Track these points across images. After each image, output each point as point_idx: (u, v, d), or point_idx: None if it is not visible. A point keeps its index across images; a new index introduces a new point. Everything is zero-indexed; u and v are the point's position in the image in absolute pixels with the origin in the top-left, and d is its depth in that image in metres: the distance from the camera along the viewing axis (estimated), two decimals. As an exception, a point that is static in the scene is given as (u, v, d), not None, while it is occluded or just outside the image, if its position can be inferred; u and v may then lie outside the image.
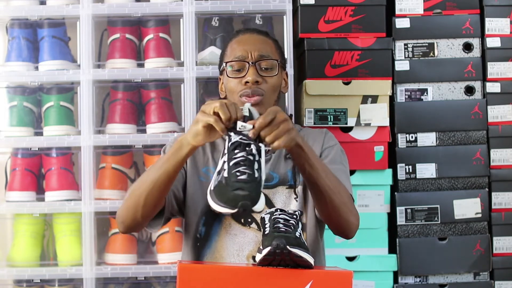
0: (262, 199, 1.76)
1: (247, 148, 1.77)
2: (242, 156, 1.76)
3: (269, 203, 2.09)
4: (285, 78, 2.25)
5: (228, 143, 1.79)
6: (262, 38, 2.21)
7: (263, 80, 2.12)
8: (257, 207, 1.74)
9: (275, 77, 2.15)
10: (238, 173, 1.74)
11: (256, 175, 1.75)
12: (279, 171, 2.14)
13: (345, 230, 2.04)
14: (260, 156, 1.78)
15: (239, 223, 2.10)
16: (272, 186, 2.12)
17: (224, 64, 2.18)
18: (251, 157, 1.76)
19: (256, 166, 1.76)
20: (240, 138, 1.78)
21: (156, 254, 2.77)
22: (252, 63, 2.12)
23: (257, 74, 2.11)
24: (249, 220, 2.09)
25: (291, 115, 2.42)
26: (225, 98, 2.20)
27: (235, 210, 1.72)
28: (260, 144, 1.81)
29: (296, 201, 2.09)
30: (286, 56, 2.67)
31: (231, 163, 1.75)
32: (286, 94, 2.64)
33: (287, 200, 2.10)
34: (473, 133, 2.79)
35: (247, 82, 2.10)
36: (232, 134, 1.80)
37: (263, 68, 2.14)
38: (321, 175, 1.93)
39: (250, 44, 2.16)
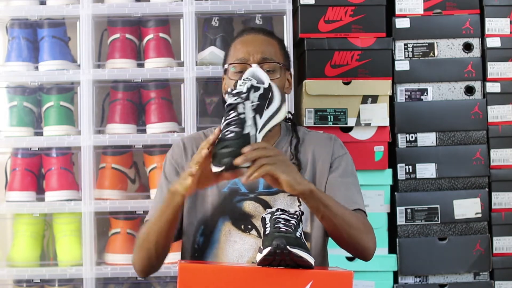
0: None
1: (238, 108, 1.82)
2: (234, 116, 1.81)
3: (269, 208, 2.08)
4: (288, 79, 2.21)
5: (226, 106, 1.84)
6: (266, 39, 2.17)
7: None
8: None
9: (277, 80, 2.11)
10: (227, 132, 1.80)
11: (246, 131, 1.80)
12: None
13: (362, 255, 2.06)
14: (255, 111, 1.83)
15: (239, 230, 2.08)
16: (274, 193, 2.10)
17: (226, 65, 2.17)
18: (242, 116, 1.81)
19: (249, 122, 1.81)
20: (234, 99, 1.82)
21: (156, 254, 2.77)
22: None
23: None
24: (249, 226, 2.07)
25: (289, 112, 2.40)
26: None
27: (221, 169, 1.77)
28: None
29: (299, 208, 2.08)
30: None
31: (223, 124, 1.82)
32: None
33: (288, 208, 2.08)
34: (473, 133, 2.79)
35: None
36: (227, 97, 1.84)
37: (266, 71, 2.11)
38: (336, 213, 1.93)
39: (253, 46, 2.13)
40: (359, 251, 2.04)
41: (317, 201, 1.89)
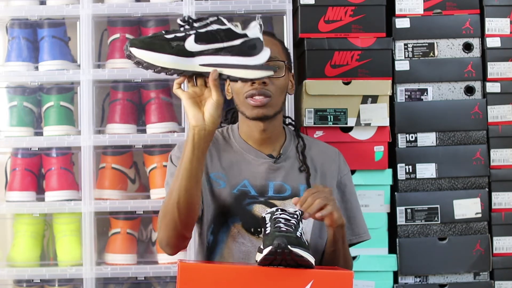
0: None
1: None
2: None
3: None
4: (291, 79, 2.22)
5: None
6: (269, 39, 2.16)
7: (270, 81, 2.08)
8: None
9: (282, 78, 2.12)
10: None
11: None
12: (292, 183, 2.13)
13: None
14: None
15: (248, 232, 2.08)
16: (284, 198, 2.11)
17: None
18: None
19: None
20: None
21: (156, 254, 2.77)
22: None
23: None
24: (259, 230, 2.06)
25: (289, 117, 2.41)
26: (231, 99, 2.19)
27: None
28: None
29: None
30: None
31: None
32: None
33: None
34: (473, 133, 2.79)
35: (253, 82, 2.08)
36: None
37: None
38: (343, 248, 2.07)
39: None
40: None
41: (341, 234, 2.01)
